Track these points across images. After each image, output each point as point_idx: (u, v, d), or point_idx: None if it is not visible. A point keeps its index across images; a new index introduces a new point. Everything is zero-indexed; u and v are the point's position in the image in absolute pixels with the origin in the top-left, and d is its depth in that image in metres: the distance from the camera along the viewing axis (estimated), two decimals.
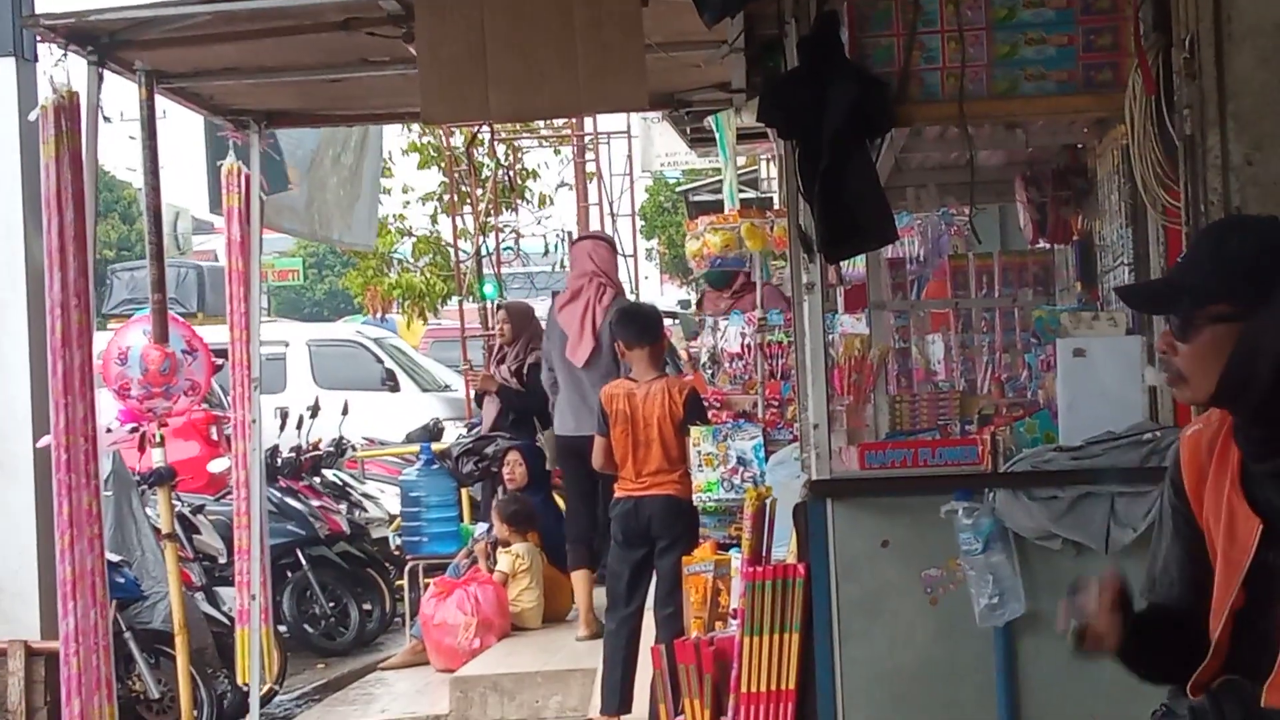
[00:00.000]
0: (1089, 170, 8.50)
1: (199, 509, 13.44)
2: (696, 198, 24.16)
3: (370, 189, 10.29)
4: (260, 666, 8.53)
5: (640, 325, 10.07)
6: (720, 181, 21.45)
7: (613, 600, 10.14)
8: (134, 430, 10.94)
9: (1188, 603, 4.01)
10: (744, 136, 13.75)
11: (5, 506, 10.63)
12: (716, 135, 15.20)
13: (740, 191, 16.67)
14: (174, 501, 10.89)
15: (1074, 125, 8.13)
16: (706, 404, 10.82)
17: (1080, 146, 8.61)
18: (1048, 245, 9.23)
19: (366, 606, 14.64)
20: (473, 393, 16.12)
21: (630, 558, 10.07)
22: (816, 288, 6.77)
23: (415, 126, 21.33)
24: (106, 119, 7.24)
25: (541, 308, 16.87)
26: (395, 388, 23.64)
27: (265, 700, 10.32)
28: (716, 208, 18.06)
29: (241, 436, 8.41)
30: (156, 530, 11.10)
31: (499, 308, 15.94)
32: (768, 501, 7.18)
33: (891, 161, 8.84)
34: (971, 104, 6.78)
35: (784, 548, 7.38)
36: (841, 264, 9.88)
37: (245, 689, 10.67)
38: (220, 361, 10.74)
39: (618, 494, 10.08)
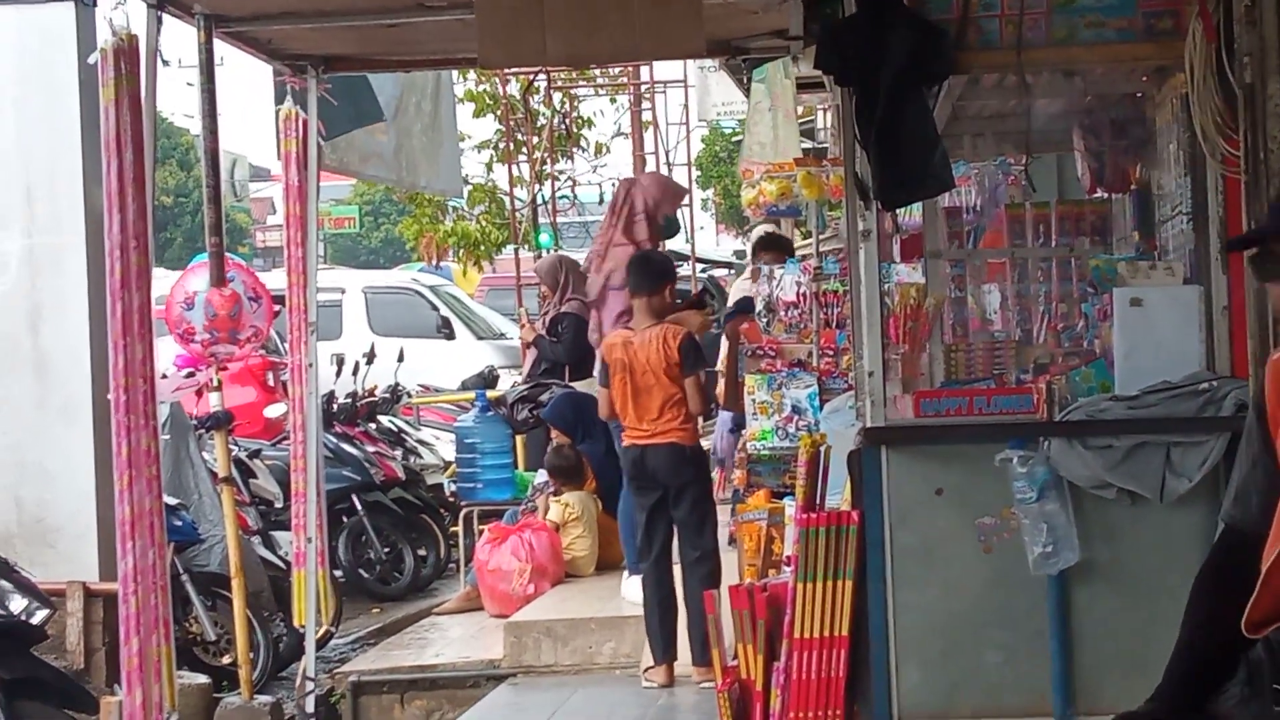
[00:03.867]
0: (1147, 119, 8.45)
1: (255, 453, 13.51)
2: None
3: (450, 136, 10.31)
4: (316, 610, 8.57)
5: (640, 273, 10.03)
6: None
7: (638, 549, 10.16)
8: (190, 375, 11.03)
9: (1262, 525, 3.99)
10: (802, 86, 13.69)
11: (65, 449, 10.72)
12: (759, 85, 15.10)
13: (802, 141, 16.58)
14: (231, 446, 10.96)
15: (1133, 74, 8.08)
16: (760, 353, 10.81)
17: (1139, 95, 8.56)
18: (1105, 195, 9.18)
19: (421, 552, 14.70)
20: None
21: (645, 504, 10.04)
22: (873, 235, 6.78)
23: (471, 74, 21.31)
24: (165, 62, 7.27)
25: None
26: (451, 335, 23.67)
27: (321, 643, 10.39)
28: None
29: (298, 381, 8.45)
30: (213, 474, 11.17)
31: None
32: (822, 449, 7.19)
33: (949, 110, 8.80)
34: (1030, 51, 6.76)
35: (838, 495, 7.40)
36: (898, 212, 9.85)
37: (301, 631, 10.76)
38: (278, 308, 10.80)
39: (625, 442, 10.07)
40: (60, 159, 10.73)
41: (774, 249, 12.40)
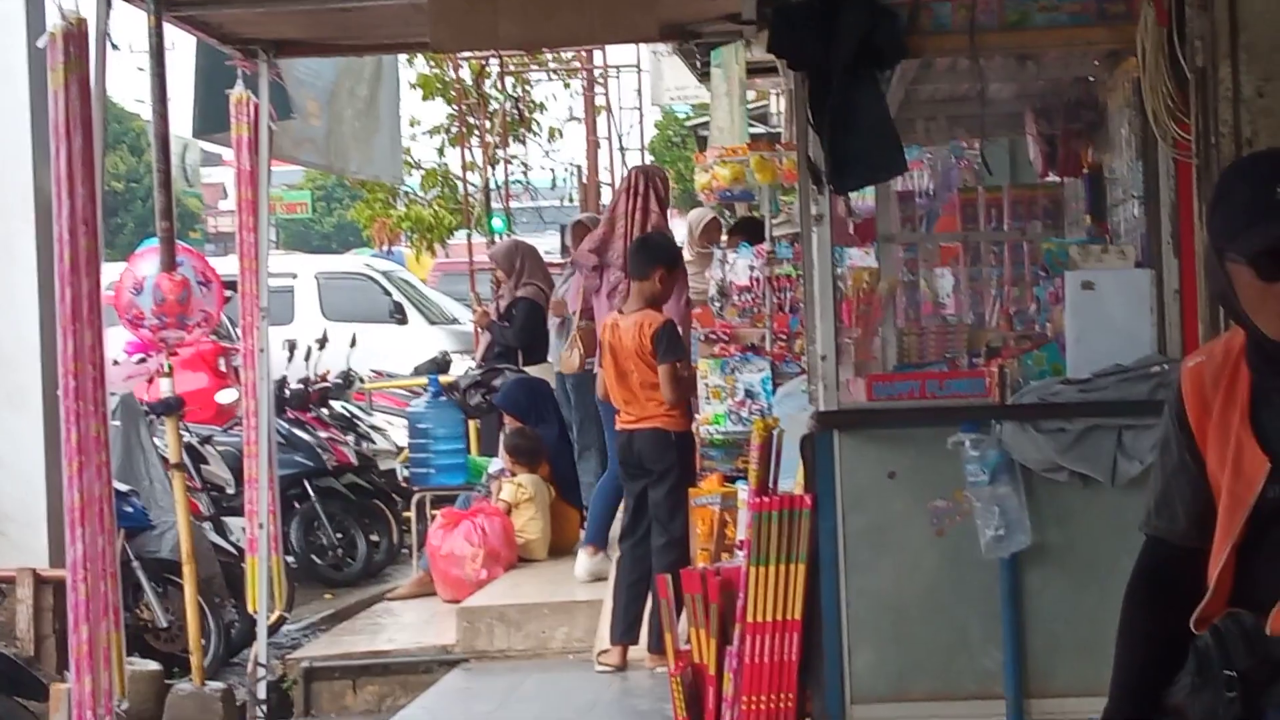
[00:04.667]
0: (1099, 103, 8.47)
1: (207, 439, 13.46)
2: (706, 132, 24.07)
3: (390, 121, 10.27)
4: (269, 596, 8.55)
5: (634, 256, 10.08)
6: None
7: (622, 529, 10.21)
8: (141, 361, 10.97)
9: (1189, 536, 4.00)
10: (753, 71, 13.68)
11: (14, 436, 10.65)
12: (716, 69, 15.10)
13: (751, 126, 16.58)
14: (182, 432, 10.91)
15: (1085, 58, 8.10)
16: (714, 337, 10.81)
17: (1091, 79, 8.58)
18: (1057, 179, 9.21)
19: (373, 538, 14.65)
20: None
21: (632, 489, 10.14)
22: (825, 219, 6.77)
23: (421, 59, 21.27)
24: (115, 46, 7.22)
25: (549, 241, 16.94)
26: (403, 320, 23.63)
27: (273, 629, 10.35)
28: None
29: (251, 366, 8.42)
30: (164, 460, 11.12)
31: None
32: (775, 433, 7.19)
33: (902, 94, 8.82)
34: (983, 35, 6.77)
35: (790, 480, 7.40)
36: (851, 197, 9.85)
37: (253, 618, 10.73)
38: (229, 293, 10.75)
39: (616, 426, 10.13)
40: (8, 145, 10.64)
41: (750, 232, 12.40)
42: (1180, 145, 6.56)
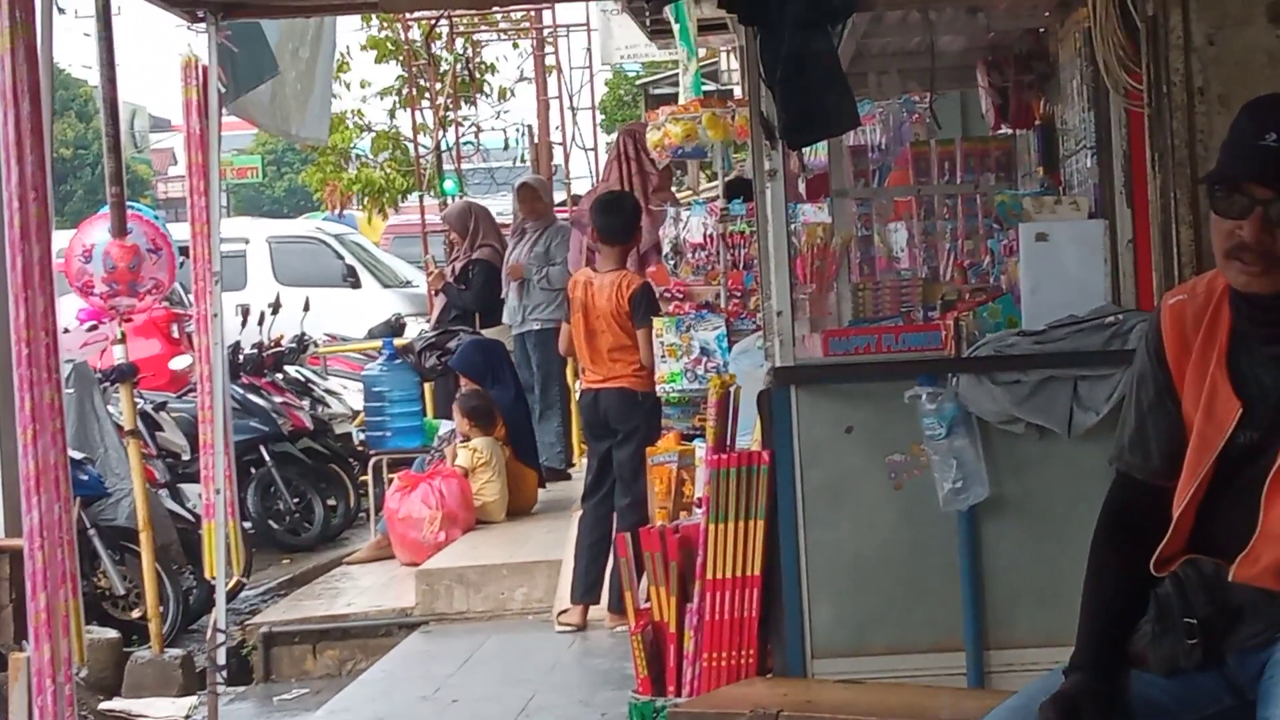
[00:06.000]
0: (1050, 54, 8.47)
1: (161, 406, 13.41)
2: (656, 90, 24.01)
3: (323, 83, 10.18)
4: (226, 562, 8.51)
5: (609, 223, 10.07)
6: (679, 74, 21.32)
7: (584, 490, 10.23)
8: (93, 328, 10.91)
9: (1160, 474, 4.00)
10: (704, 28, 13.67)
11: None
12: (676, 25, 15.10)
13: (702, 84, 16.56)
14: (136, 399, 10.86)
15: (1035, 9, 8.10)
16: (668, 295, 10.81)
17: (1042, 30, 8.58)
18: (1010, 131, 9.21)
19: (331, 502, 14.63)
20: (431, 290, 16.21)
21: (596, 449, 10.19)
22: (779, 175, 6.76)
23: (374, 20, 21.17)
24: (60, 10, 7.15)
25: (502, 203, 16.90)
26: (356, 284, 23.53)
27: (231, 595, 10.32)
28: (675, 100, 17.97)
29: (204, 332, 8.36)
30: (119, 427, 11.09)
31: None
32: (731, 390, 7.18)
33: (853, 48, 8.81)
34: None
35: (748, 436, 7.40)
36: (804, 152, 9.84)
37: (211, 584, 10.71)
38: (181, 259, 10.69)
39: (581, 386, 10.16)
40: None
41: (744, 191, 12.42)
42: (1131, 95, 6.56)
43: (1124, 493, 4.10)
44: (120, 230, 8.82)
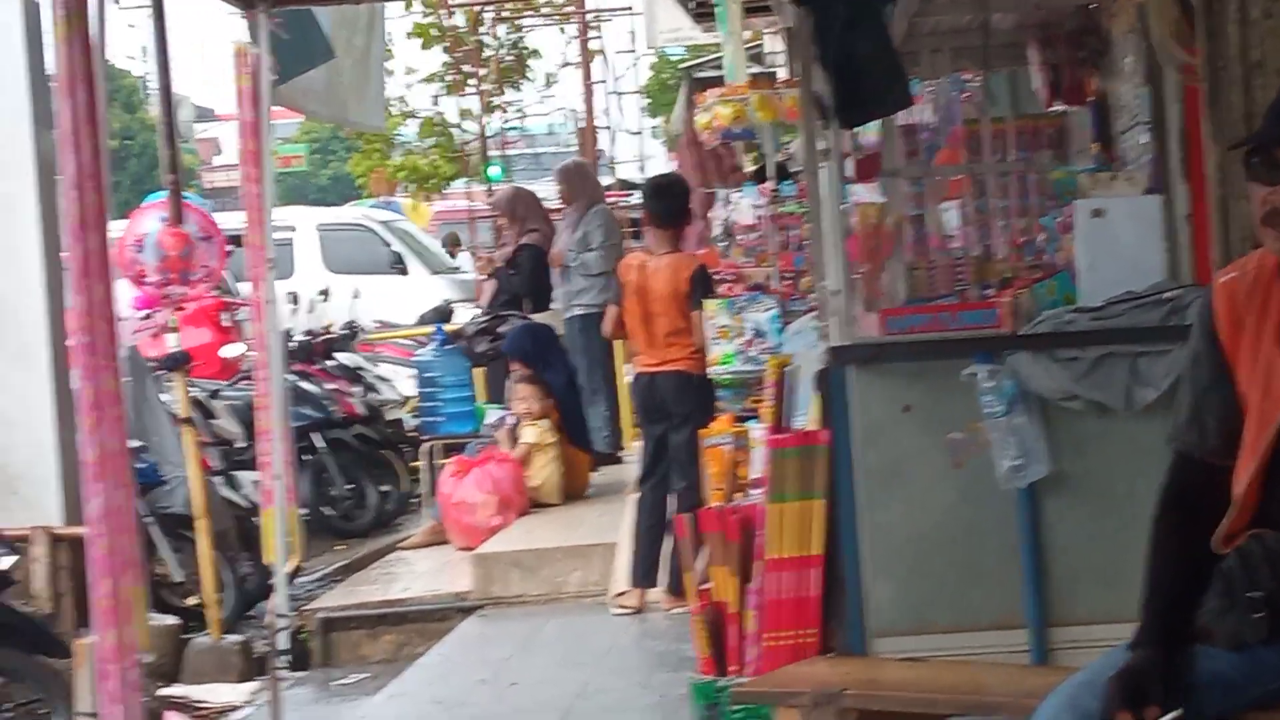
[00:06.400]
0: (1103, 30, 8.44)
1: (214, 394, 13.47)
2: (701, 74, 23.96)
3: (377, 70, 10.23)
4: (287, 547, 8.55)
5: (661, 206, 10.09)
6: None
7: (640, 474, 10.24)
8: (147, 317, 10.97)
9: (1218, 453, 4.00)
10: (748, 10, 13.67)
11: (23, 394, 10.65)
12: (717, 8, 15.09)
13: (750, 67, 16.56)
14: (189, 387, 10.91)
15: None
16: (719, 277, 10.83)
17: (1094, 6, 8.55)
18: (1062, 108, 9.17)
19: (383, 488, 14.69)
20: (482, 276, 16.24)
21: (652, 432, 10.22)
22: (834, 154, 6.75)
23: (417, 7, 21.21)
24: (117, 1, 7.17)
25: (547, 188, 16.94)
26: (404, 271, 23.60)
27: (289, 580, 10.39)
28: (720, 84, 17.96)
29: (259, 318, 8.40)
30: (173, 415, 11.13)
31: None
32: (788, 370, 7.18)
33: (904, 27, 8.78)
34: None
35: (803, 417, 7.39)
36: (854, 132, 9.83)
37: (270, 568, 10.76)
38: (231, 248, 10.75)
39: (636, 370, 10.17)
40: (6, 103, 10.61)
41: None
42: (1187, 70, 6.54)
43: (1182, 472, 4.11)
44: (177, 217, 8.89)
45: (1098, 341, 6.47)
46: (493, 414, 13.28)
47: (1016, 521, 6.60)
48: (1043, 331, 6.58)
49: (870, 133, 10.23)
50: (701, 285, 9.87)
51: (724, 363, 9.94)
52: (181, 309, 10.69)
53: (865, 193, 9.67)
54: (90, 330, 6.04)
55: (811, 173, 7.06)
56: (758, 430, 8.58)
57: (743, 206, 10.71)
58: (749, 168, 13.96)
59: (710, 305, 9.79)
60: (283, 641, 8.47)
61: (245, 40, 8.06)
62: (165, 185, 8.71)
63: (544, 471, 12.57)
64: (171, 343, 10.73)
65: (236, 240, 10.05)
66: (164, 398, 11.69)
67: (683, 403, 9.96)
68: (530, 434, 12.57)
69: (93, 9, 6.75)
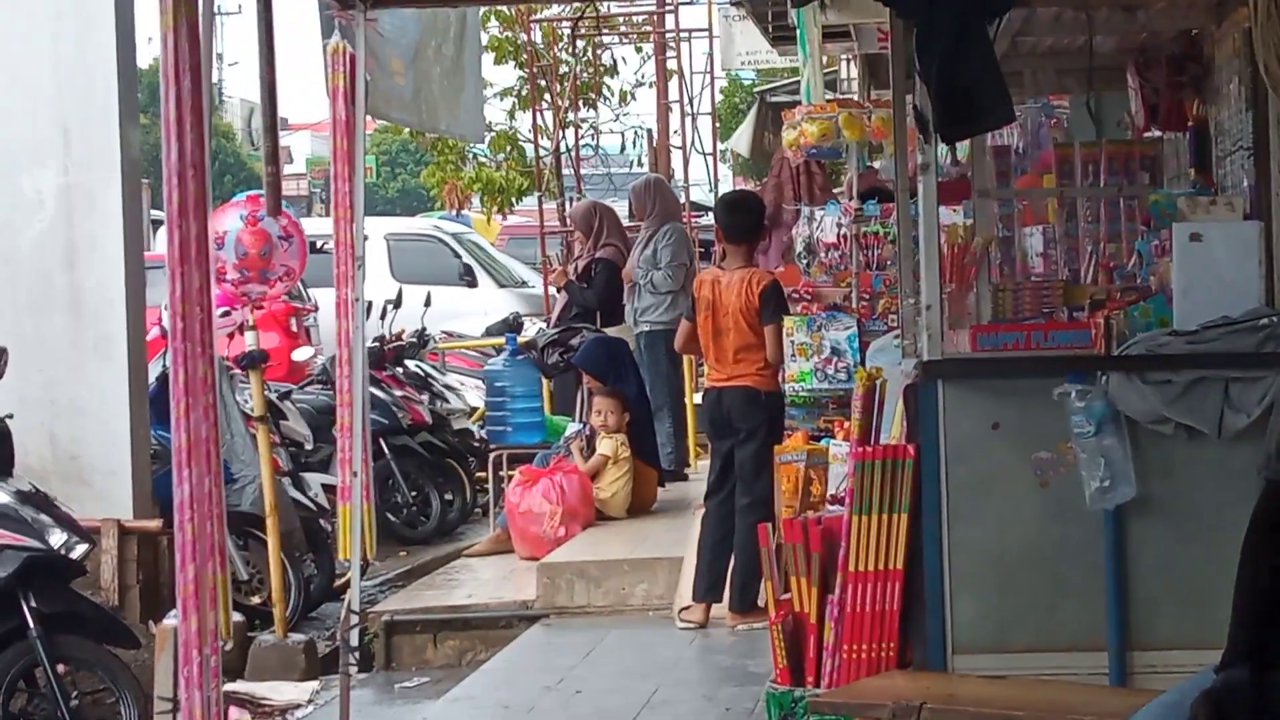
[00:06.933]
0: (1205, 56, 8.41)
1: (286, 395, 13.50)
2: (774, 99, 23.99)
3: (474, 81, 10.24)
4: (361, 544, 8.56)
5: (734, 221, 10.10)
6: (797, 81, 21.31)
7: (707, 487, 10.24)
8: (225, 314, 11.02)
9: None
10: (826, 36, 13.71)
11: (99, 387, 10.69)
12: (798, 31, 15.13)
13: (826, 94, 16.57)
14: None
15: (1191, 10, 8.05)
16: (797, 296, 10.81)
17: (1195, 32, 8.53)
18: (1157, 133, 9.14)
19: (448, 496, 14.70)
20: (552, 289, 16.29)
21: (719, 448, 10.23)
22: (932, 168, 6.75)
23: (494, 21, 21.27)
24: None
25: (619, 208, 16.97)
26: (473, 283, 23.67)
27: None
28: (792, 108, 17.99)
29: (344, 315, 8.43)
30: (246, 415, 11.17)
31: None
32: (878, 383, 7.17)
33: (1005, 45, 8.77)
34: None
35: (886, 434, 7.38)
36: (939, 154, 9.82)
37: (331, 572, 10.82)
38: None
39: (706, 385, 10.18)
40: (95, 95, 10.67)
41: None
42: None
43: (1274, 502, 4.08)
44: (275, 209, 8.96)
45: (1191, 365, 6.46)
46: (572, 427, 13.28)
47: (1101, 543, 6.58)
48: (1136, 354, 6.56)
49: (946, 159, 10.23)
50: (773, 301, 9.84)
51: (800, 380, 9.93)
52: (261, 307, 10.73)
53: (948, 215, 9.65)
54: (185, 316, 6.06)
55: (901, 190, 7.05)
56: (835, 446, 8.58)
57: (825, 224, 10.70)
58: (837, 189, 14.01)
59: (789, 321, 9.78)
60: (355, 638, 8.50)
61: (340, 39, 8.09)
62: (265, 176, 8.75)
63: (615, 485, 12.58)
64: (249, 341, 10.77)
65: (312, 246, 10.09)
66: (236, 397, 11.73)
67: (749, 418, 9.94)
68: (606, 446, 12.58)
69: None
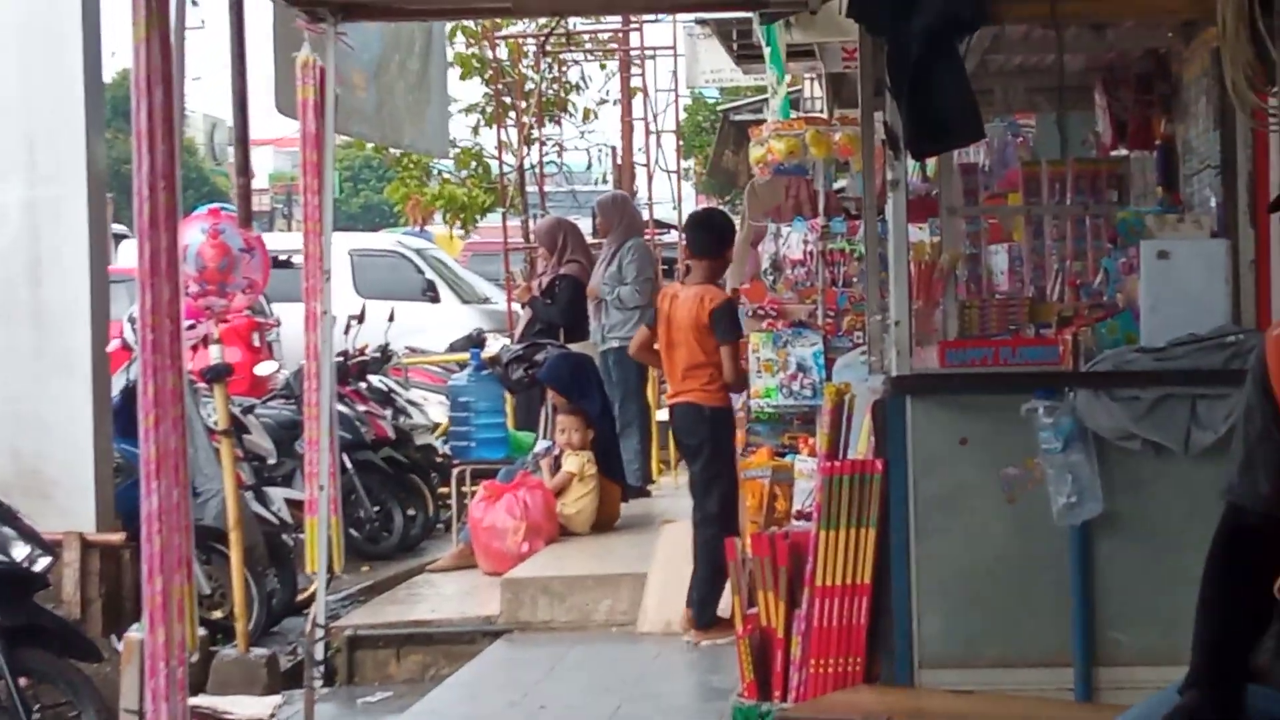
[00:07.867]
0: (1173, 74, 8.46)
1: (249, 409, 13.45)
2: (738, 117, 24.04)
3: (439, 96, 10.24)
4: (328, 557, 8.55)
5: (699, 237, 10.13)
6: (762, 100, 21.35)
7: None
8: (190, 327, 10.99)
9: (1272, 504, 3.99)
10: (789, 54, 13.74)
11: (63, 401, 10.65)
12: (767, 49, 15.17)
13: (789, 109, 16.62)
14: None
15: (1159, 28, 8.09)
16: (762, 312, 10.81)
17: (1163, 51, 8.57)
18: (1124, 151, 9.18)
19: (410, 512, 14.67)
20: (515, 305, 16.28)
21: (687, 462, 10.25)
22: (901, 185, 6.78)
23: (460, 38, 21.27)
24: (195, 3, 7.20)
25: (583, 225, 16.97)
26: (436, 299, 23.66)
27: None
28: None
29: (312, 329, 8.43)
30: (209, 429, 11.13)
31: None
32: (847, 398, 7.19)
33: (976, 62, 8.80)
34: (1063, 2, 6.75)
35: (853, 450, 7.39)
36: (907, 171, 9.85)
37: (293, 587, 10.75)
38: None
39: (666, 401, 10.22)
40: (61, 108, 10.63)
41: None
42: (1259, 115, 6.55)
43: (1235, 522, 4.09)
44: (246, 220, 8.96)
45: (1158, 382, 6.49)
46: (541, 445, 13.27)
47: (1068, 559, 6.60)
48: (1104, 370, 6.58)
49: (914, 175, 10.26)
50: (725, 320, 9.78)
51: (765, 396, 9.94)
52: (226, 321, 10.70)
53: (914, 232, 9.66)
54: (154, 328, 6.04)
55: (868, 207, 7.07)
56: (801, 462, 8.60)
57: (792, 241, 10.71)
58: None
59: (755, 338, 9.79)
60: (320, 652, 8.49)
61: (311, 52, 8.09)
62: (236, 189, 8.75)
63: (580, 501, 12.57)
64: (215, 354, 10.73)
65: (275, 261, 10.06)
66: (200, 411, 11.69)
67: (692, 434, 9.95)
68: (573, 463, 12.58)
69: (173, 11, 6.80)
